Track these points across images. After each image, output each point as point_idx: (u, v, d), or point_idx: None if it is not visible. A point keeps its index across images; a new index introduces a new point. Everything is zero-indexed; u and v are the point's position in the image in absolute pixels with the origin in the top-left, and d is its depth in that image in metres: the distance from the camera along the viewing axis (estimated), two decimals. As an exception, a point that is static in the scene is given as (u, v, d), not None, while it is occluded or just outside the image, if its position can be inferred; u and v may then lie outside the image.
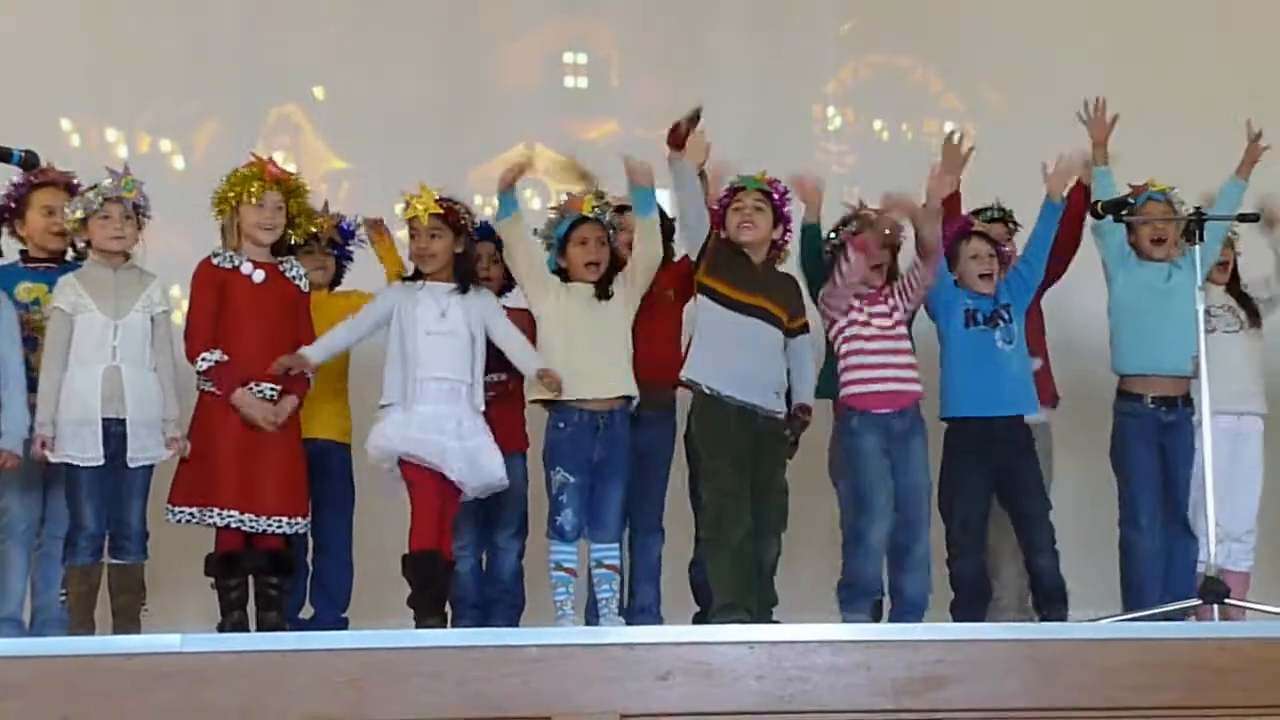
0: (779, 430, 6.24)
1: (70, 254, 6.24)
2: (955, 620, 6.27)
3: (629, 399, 6.22)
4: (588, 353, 6.18)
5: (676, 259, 6.56)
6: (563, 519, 6.12)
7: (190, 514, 5.93)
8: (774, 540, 6.15)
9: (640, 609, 6.40)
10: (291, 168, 6.39)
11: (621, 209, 6.39)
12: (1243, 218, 6.46)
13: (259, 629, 5.93)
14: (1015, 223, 7.05)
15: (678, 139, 6.07)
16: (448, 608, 6.18)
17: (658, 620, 6.41)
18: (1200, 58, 8.47)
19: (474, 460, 6.05)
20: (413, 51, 8.13)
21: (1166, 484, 6.61)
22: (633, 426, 6.27)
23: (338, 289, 6.70)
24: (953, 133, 6.84)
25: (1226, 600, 5.88)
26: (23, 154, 5.96)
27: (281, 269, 6.13)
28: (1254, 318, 6.91)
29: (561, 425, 6.17)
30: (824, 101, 8.59)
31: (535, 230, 6.34)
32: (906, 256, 6.54)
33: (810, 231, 6.47)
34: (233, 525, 5.91)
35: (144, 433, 5.84)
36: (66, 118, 7.98)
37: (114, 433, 5.79)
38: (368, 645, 4.98)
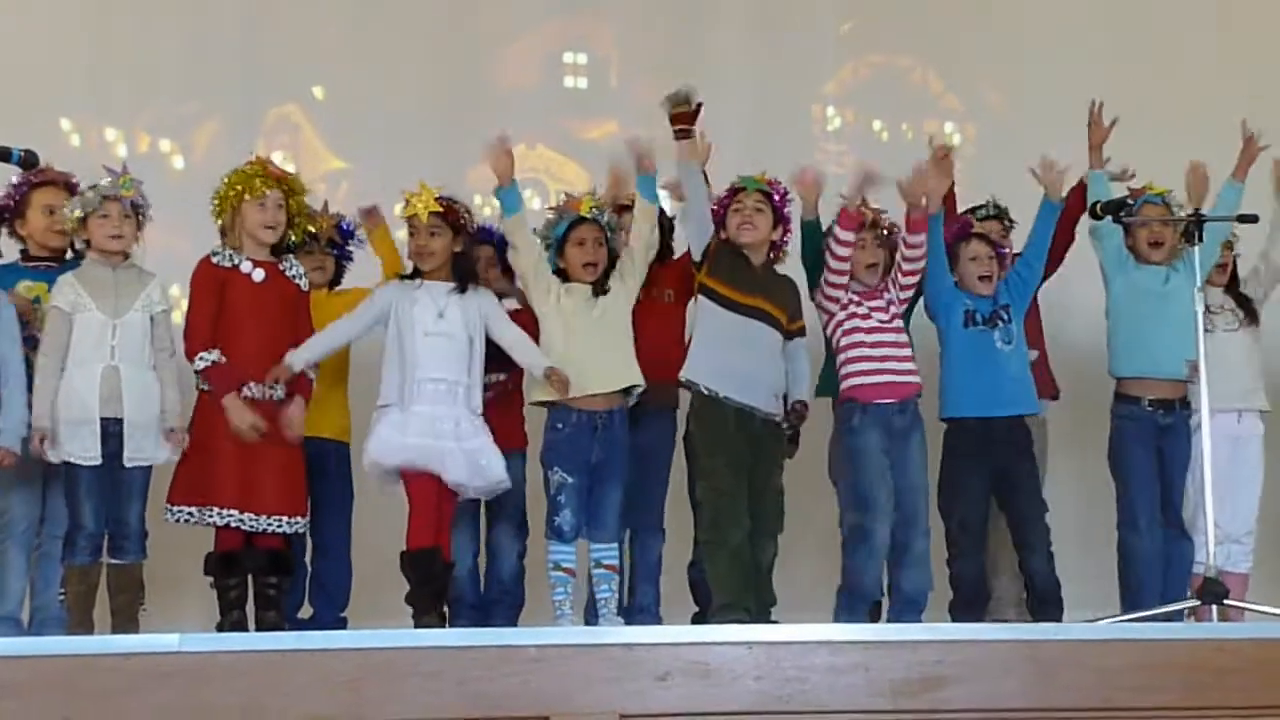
0: (777, 432, 6.24)
1: (70, 254, 6.24)
2: (954, 620, 6.27)
3: (629, 392, 6.22)
4: (590, 349, 6.19)
5: (676, 257, 6.58)
6: (561, 519, 6.13)
7: (189, 513, 5.92)
8: (771, 541, 6.16)
9: (639, 609, 6.40)
10: (291, 168, 6.39)
11: (620, 209, 6.38)
12: (1242, 219, 6.45)
13: (258, 629, 5.93)
14: (1011, 220, 7.06)
15: (684, 120, 6.06)
16: (446, 608, 6.17)
17: (657, 620, 6.42)
18: (1200, 58, 8.48)
19: (474, 461, 6.04)
20: (412, 51, 8.13)
21: (1164, 487, 6.62)
22: (634, 424, 6.27)
23: (337, 289, 6.69)
24: (938, 141, 6.82)
25: (1225, 601, 5.89)
26: (22, 153, 5.97)
27: (281, 268, 6.13)
28: (1252, 316, 6.92)
29: (560, 426, 6.17)
30: (823, 102, 8.60)
31: (534, 230, 6.33)
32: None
33: (809, 228, 6.47)
34: (232, 524, 5.90)
35: (140, 434, 5.84)
36: (66, 117, 7.98)
37: (112, 432, 5.79)
38: (366, 645, 4.97)
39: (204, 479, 5.92)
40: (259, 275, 6.05)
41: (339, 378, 6.53)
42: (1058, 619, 6.28)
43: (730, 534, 6.02)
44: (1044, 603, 6.38)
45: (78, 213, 5.93)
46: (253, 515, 5.91)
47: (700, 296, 6.25)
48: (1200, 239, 6.16)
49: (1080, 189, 6.70)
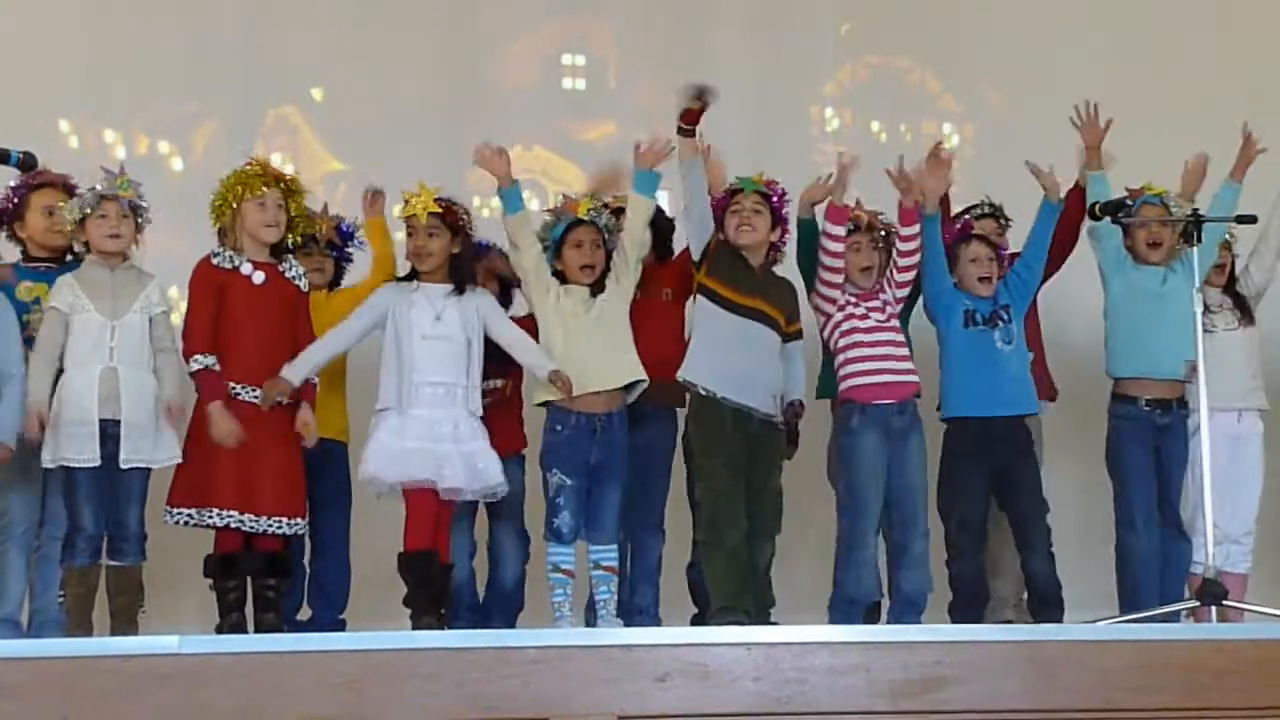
0: (775, 433, 6.24)
1: (70, 257, 6.24)
2: (954, 621, 6.26)
3: (631, 390, 6.21)
4: (589, 349, 6.18)
5: (674, 257, 6.58)
6: (560, 521, 6.12)
7: (189, 515, 5.91)
8: (769, 542, 6.16)
9: (638, 610, 6.40)
10: (289, 169, 6.38)
11: (618, 212, 6.38)
12: (1240, 219, 6.45)
13: (257, 630, 5.92)
14: (1007, 219, 7.06)
15: (691, 118, 6.07)
16: (444, 609, 6.17)
17: (656, 621, 6.42)
18: (1200, 58, 8.48)
19: (471, 464, 6.03)
20: (411, 53, 8.13)
21: (1161, 486, 6.62)
22: (635, 424, 6.27)
23: (336, 289, 6.68)
24: (938, 144, 6.82)
25: (1225, 602, 5.89)
26: (20, 155, 5.96)
27: (281, 269, 6.12)
28: (1248, 315, 6.92)
29: (559, 428, 6.16)
30: (822, 103, 8.60)
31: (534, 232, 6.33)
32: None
33: (805, 227, 6.46)
34: (232, 525, 5.88)
35: (138, 435, 5.83)
36: (65, 119, 7.98)
37: (110, 434, 5.78)
38: (365, 647, 4.98)
39: (203, 480, 5.90)
40: (259, 277, 6.04)
41: (337, 378, 6.52)
42: (1058, 620, 6.28)
43: (728, 535, 6.01)
44: (1045, 604, 6.38)
45: (75, 214, 5.93)
46: (253, 516, 5.90)
47: (699, 296, 6.25)
48: (1199, 240, 6.17)
49: (1080, 190, 6.70)
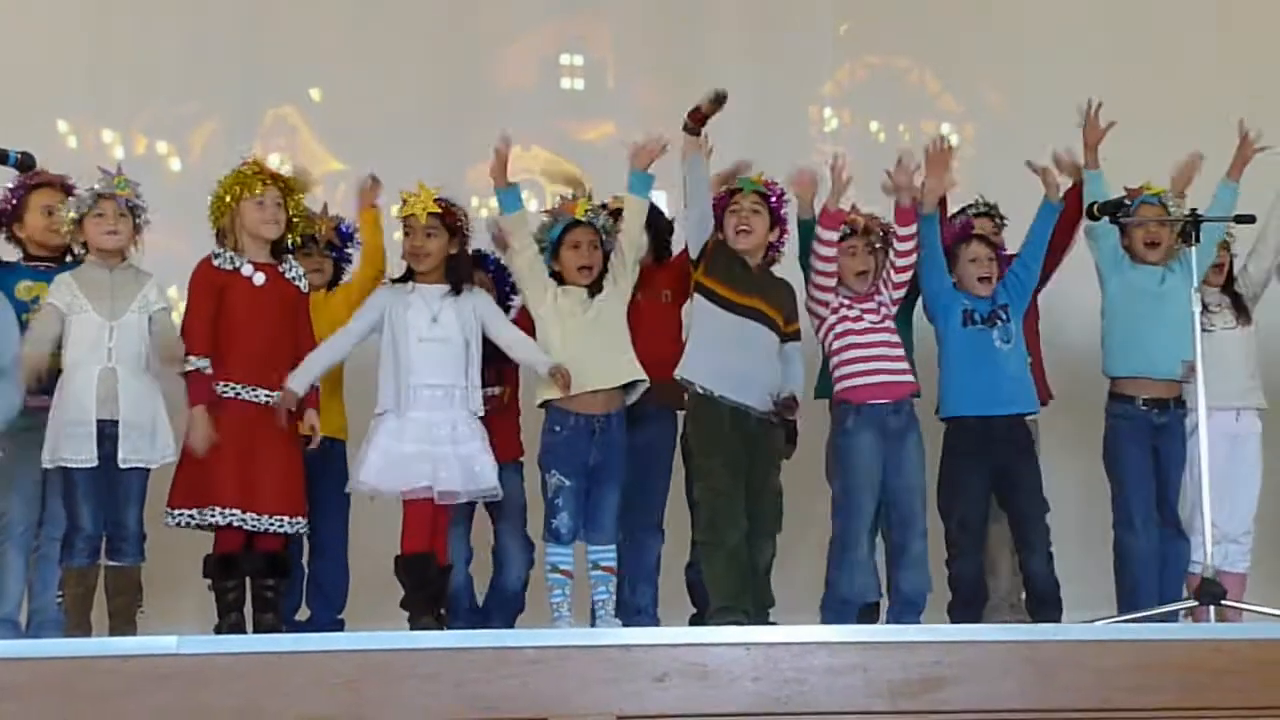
0: (773, 432, 6.23)
1: (70, 258, 6.24)
2: (952, 621, 6.27)
3: (630, 390, 6.21)
4: (588, 349, 6.17)
5: (672, 258, 6.58)
6: (558, 522, 6.11)
7: (190, 515, 5.91)
8: (769, 542, 6.16)
9: (637, 610, 6.39)
10: (288, 169, 6.38)
11: (616, 213, 6.38)
12: (1239, 219, 6.45)
13: (256, 631, 5.93)
14: (1002, 218, 7.06)
15: (699, 118, 6.07)
16: (443, 610, 6.17)
17: (654, 622, 6.42)
18: (1200, 58, 8.47)
19: (468, 466, 6.03)
20: (409, 53, 8.13)
21: (1159, 486, 6.62)
22: (634, 424, 6.27)
23: (335, 289, 6.69)
24: (939, 139, 6.81)
25: (1223, 602, 5.89)
26: (19, 156, 5.95)
27: (281, 270, 6.12)
28: (1246, 314, 6.92)
29: (557, 429, 6.16)
30: (820, 103, 8.60)
31: (530, 233, 6.32)
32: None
33: (806, 227, 6.47)
34: (234, 524, 5.88)
35: (137, 434, 5.83)
36: (63, 119, 7.98)
37: (108, 434, 5.79)
38: (364, 647, 4.98)
39: (204, 480, 5.90)
40: (259, 279, 6.04)
41: (334, 376, 6.51)
42: (1057, 619, 6.28)
43: (727, 535, 6.01)
44: (1043, 603, 6.39)
45: (73, 214, 5.94)
46: (255, 515, 5.90)
47: (697, 296, 6.25)
48: (1197, 239, 6.17)
49: (1079, 190, 6.70)
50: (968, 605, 6.39)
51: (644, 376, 6.19)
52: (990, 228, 6.96)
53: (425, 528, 6.00)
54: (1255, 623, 5.86)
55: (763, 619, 6.02)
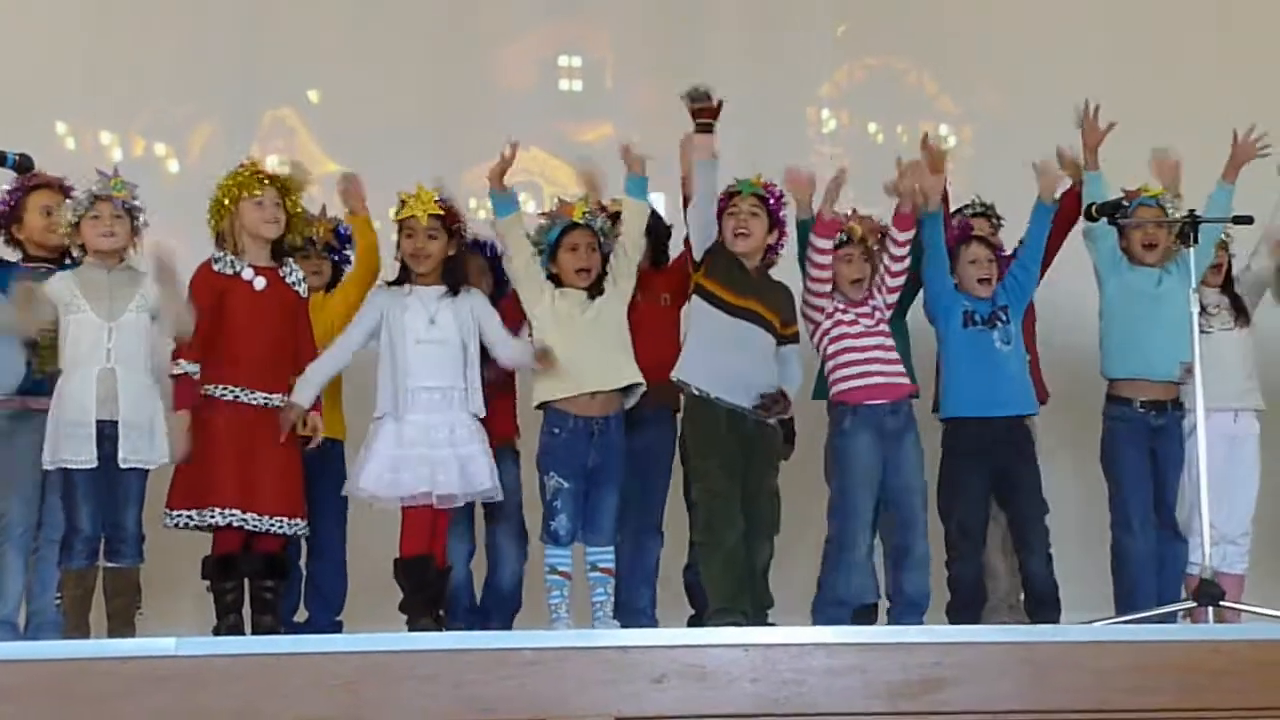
0: (770, 433, 6.23)
1: (69, 260, 6.24)
2: (951, 622, 6.26)
3: (629, 393, 6.20)
4: (587, 350, 6.17)
5: (670, 263, 6.58)
6: (557, 524, 6.11)
7: (189, 516, 5.90)
8: (766, 544, 6.15)
9: (635, 611, 6.39)
10: (284, 167, 6.38)
11: (614, 216, 6.37)
12: (1237, 220, 6.45)
13: (254, 632, 5.93)
14: (999, 218, 7.06)
15: (708, 115, 6.06)
16: (442, 611, 6.16)
17: (653, 623, 6.41)
18: (1200, 58, 8.47)
19: (466, 468, 6.03)
20: (407, 54, 8.14)
21: (1156, 488, 6.62)
22: (633, 427, 6.26)
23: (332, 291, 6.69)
24: (927, 137, 6.82)
25: (1221, 603, 5.89)
26: (17, 157, 5.96)
27: (281, 274, 6.12)
28: (1244, 315, 6.92)
29: (556, 431, 6.15)
30: (818, 104, 8.61)
31: (526, 235, 6.31)
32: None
33: (804, 227, 6.46)
34: (234, 524, 5.88)
35: (136, 434, 5.82)
36: (62, 120, 7.98)
37: (107, 435, 5.78)
38: (362, 648, 4.99)
39: (203, 481, 5.90)
40: (260, 283, 6.04)
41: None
42: (1055, 621, 6.28)
43: (724, 536, 6.01)
44: (1041, 604, 6.39)
45: (70, 217, 5.93)
46: (256, 515, 5.90)
47: (694, 297, 6.24)
48: (1195, 240, 6.17)
49: (1074, 191, 6.70)
50: (967, 606, 6.39)
51: (641, 380, 6.19)
52: (987, 228, 6.96)
53: (424, 530, 6.00)
54: (1253, 624, 5.87)
55: (761, 620, 6.02)
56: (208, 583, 6.02)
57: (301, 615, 6.47)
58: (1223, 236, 6.81)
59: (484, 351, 6.19)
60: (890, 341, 6.45)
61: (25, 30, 8.01)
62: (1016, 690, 4.98)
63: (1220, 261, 6.89)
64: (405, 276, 6.19)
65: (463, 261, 6.29)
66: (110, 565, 5.86)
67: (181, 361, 5.92)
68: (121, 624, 5.81)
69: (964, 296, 6.56)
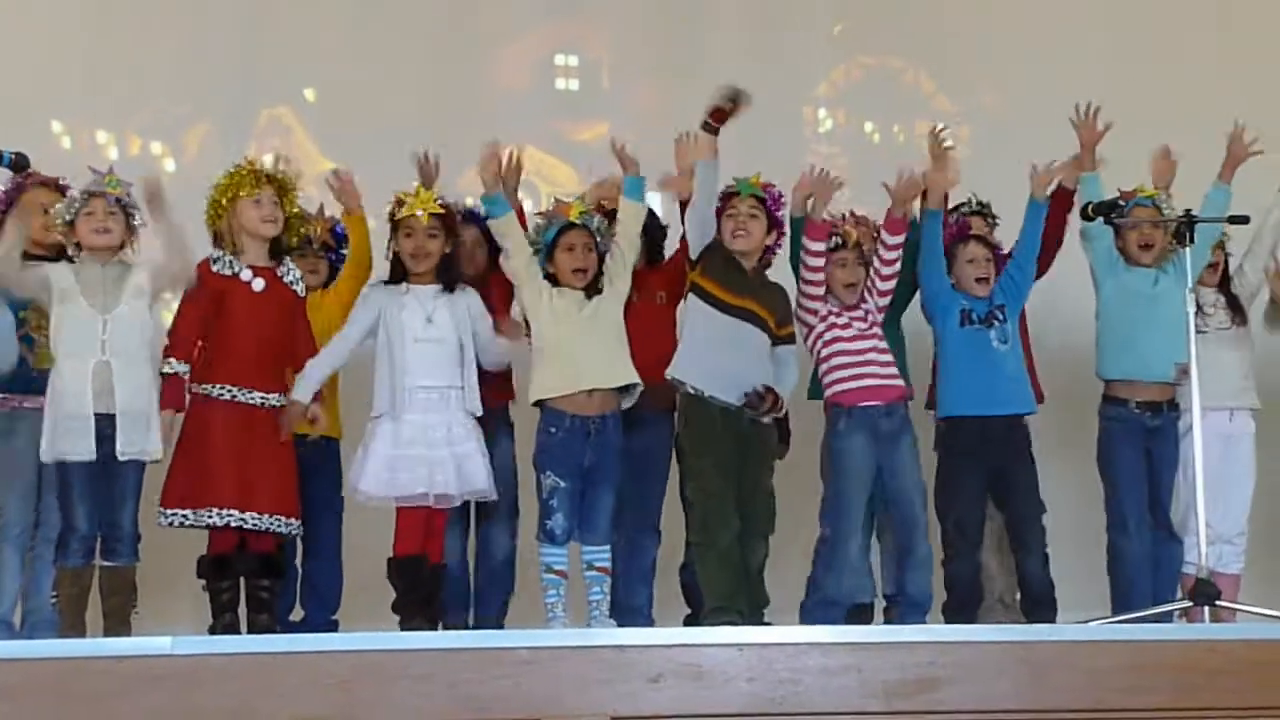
0: (765, 433, 6.23)
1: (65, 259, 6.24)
2: (948, 622, 6.27)
3: (626, 393, 6.19)
4: (585, 348, 6.16)
5: (665, 261, 6.58)
6: (553, 523, 6.10)
7: (185, 515, 5.90)
8: (762, 543, 6.15)
9: (632, 611, 6.39)
10: (278, 165, 6.38)
11: (610, 215, 6.37)
12: (1233, 219, 6.46)
13: (250, 631, 5.93)
14: (994, 216, 7.06)
15: (721, 117, 6.06)
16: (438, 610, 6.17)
17: (649, 622, 6.41)
18: (1200, 58, 8.47)
19: (462, 468, 6.03)
20: (404, 54, 8.14)
21: (1152, 488, 6.62)
22: (631, 427, 6.26)
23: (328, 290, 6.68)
24: (937, 130, 6.81)
25: (1218, 602, 5.89)
26: (13, 156, 5.96)
27: (279, 273, 6.12)
28: (1241, 314, 6.93)
29: (553, 430, 6.14)
30: (815, 103, 8.61)
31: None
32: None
33: (797, 226, 6.46)
34: (232, 525, 5.89)
35: (131, 426, 5.81)
36: (58, 120, 7.98)
37: (104, 429, 5.77)
38: (358, 647, 4.99)
39: (200, 480, 5.90)
40: (259, 285, 6.05)
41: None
42: (1051, 620, 6.28)
43: (720, 535, 6.01)
44: (1038, 604, 6.40)
45: (65, 215, 5.93)
46: (255, 514, 5.91)
47: (691, 295, 6.24)
48: (1191, 240, 6.17)
49: (1064, 192, 6.68)
50: (963, 606, 6.38)
51: (638, 380, 6.18)
52: (983, 226, 6.95)
53: (417, 530, 6.00)
54: (1249, 623, 5.87)
55: (757, 619, 6.01)
56: (203, 582, 6.02)
57: (297, 614, 6.47)
58: (1221, 236, 6.81)
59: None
60: (884, 344, 6.46)
61: (23, 30, 8.01)
62: (1013, 690, 4.98)
63: (1217, 261, 6.90)
64: (401, 275, 6.19)
65: (458, 259, 6.29)
66: (106, 564, 5.86)
67: (172, 361, 5.92)
68: (117, 623, 5.81)
69: (961, 296, 6.56)
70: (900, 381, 6.46)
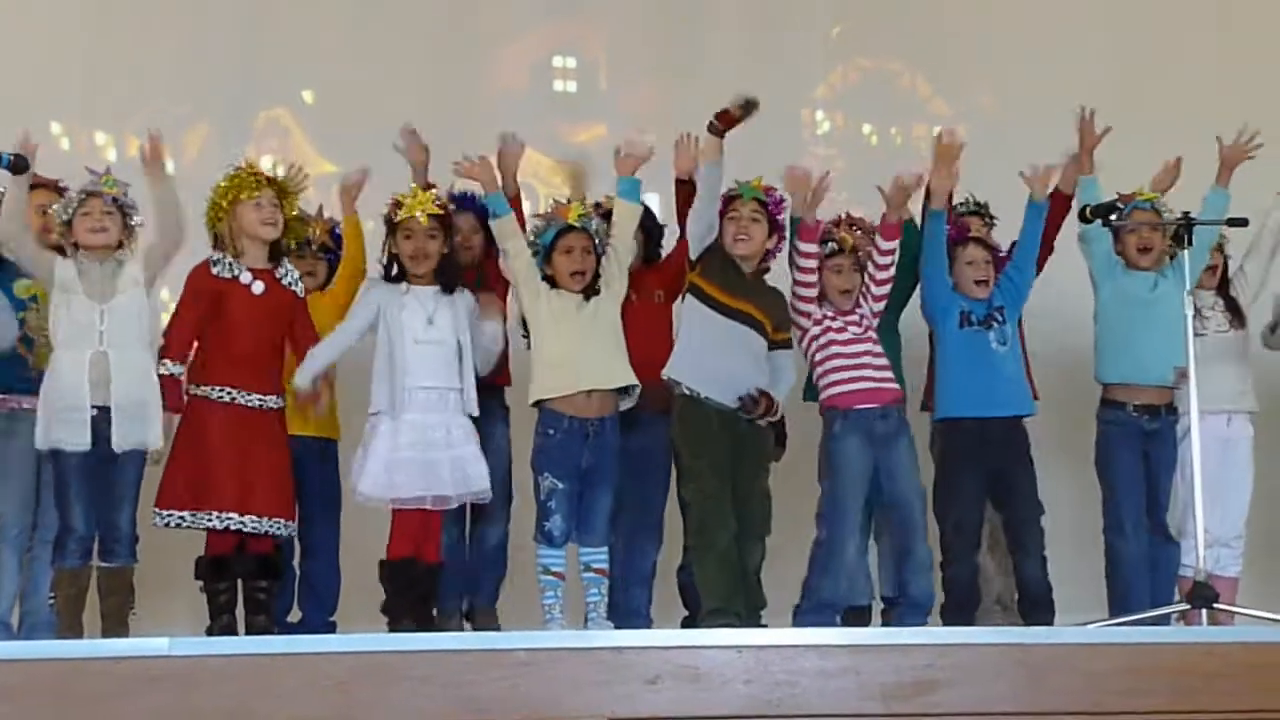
0: (761, 434, 6.23)
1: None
2: (946, 623, 6.27)
3: (625, 394, 6.18)
4: (583, 349, 6.16)
5: (661, 260, 6.58)
6: (551, 524, 6.09)
7: (182, 517, 5.90)
8: (759, 544, 6.15)
9: (630, 612, 6.39)
10: (281, 172, 6.38)
11: (608, 215, 6.36)
12: (1231, 222, 6.46)
13: (247, 632, 5.94)
14: (992, 216, 7.05)
15: (728, 121, 6.06)
16: (435, 610, 6.17)
17: (648, 625, 6.41)
18: (1200, 58, 8.47)
19: (460, 469, 6.04)
20: (402, 55, 8.14)
21: (1149, 491, 6.62)
22: (630, 429, 6.26)
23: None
24: (942, 132, 6.81)
25: (1215, 605, 5.89)
26: (12, 158, 5.95)
27: (278, 275, 6.12)
28: (1239, 317, 6.93)
29: (551, 431, 6.13)
30: (813, 105, 8.61)
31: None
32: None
33: (795, 224, 6.45)
34: (232, 527, 5.90)
35: (128, 418, 5.82)
36: (57, 121, 7.98)
37: (101, 421, 5.78)
38: (356, 649, 4.98)
39: (199, 482, 5.91)
40: (259, 287, 6.06)
41: (326, 375, 6.48)
42: (1049, 623, 6.28)
43: (717, 537, 6.01)
44: (1036, 606, 6.39)
45: (63, 215, 5.94)
46: (254, 517, 5.91)
47: (688, 295, 6.24)
48: (1190, 242, 6.17)
49: (1061, 195, 6.67)
50: (962, 607, 6.38)
51: (636, 382, 6.18)
52: (981, 227, 6.95)
53: (412, 533, 6.01)
54: (1247, 626, 5.87)
55: (754, 621, 6.01)
56: (201, 583, 6.02)
57: (295, 615, 6.47)
58: (1219, 238, 6.81)
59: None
60: (878, 348, 6.46)
61: (21, 31, 8.00)
62: (1010, 692, 4.98)
63: (1216, 263, 6.90)
64: (399, 275, 6.19)
65: (457, 260, 6.29)
66: (104, 565, 5.87)
67: (166, 362, 5.93)
68: (115, 624, 5.82)
69: (961, 297, 6.55)
70: (895, 384, 6.46)
